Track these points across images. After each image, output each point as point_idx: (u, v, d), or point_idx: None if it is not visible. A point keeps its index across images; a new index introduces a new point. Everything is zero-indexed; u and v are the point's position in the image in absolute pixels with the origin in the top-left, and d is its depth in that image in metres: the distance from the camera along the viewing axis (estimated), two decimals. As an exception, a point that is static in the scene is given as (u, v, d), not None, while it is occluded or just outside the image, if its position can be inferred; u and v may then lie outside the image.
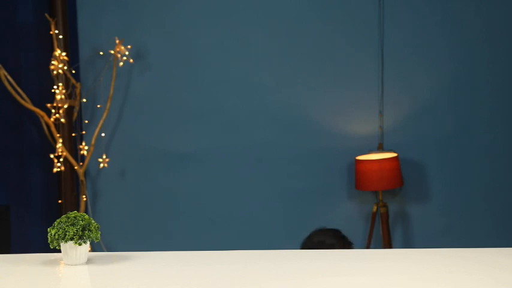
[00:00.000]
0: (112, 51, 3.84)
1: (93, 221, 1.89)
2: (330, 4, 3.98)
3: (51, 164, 3.80)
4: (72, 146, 3.88)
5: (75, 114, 3.88)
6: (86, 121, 3.98)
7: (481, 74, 3.99)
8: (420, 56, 3.98)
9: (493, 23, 3.98)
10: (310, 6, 3.97)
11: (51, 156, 3.79)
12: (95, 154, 3.90)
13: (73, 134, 3.88)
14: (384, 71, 3.96)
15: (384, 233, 3.29)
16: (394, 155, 3.77)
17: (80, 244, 1.82)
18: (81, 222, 1.85)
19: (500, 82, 3.99)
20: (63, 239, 1.82)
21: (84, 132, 3.97)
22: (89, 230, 1.85)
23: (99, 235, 1.88)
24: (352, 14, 3.97)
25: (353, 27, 3.97)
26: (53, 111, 3.77)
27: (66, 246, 1.83)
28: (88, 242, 1.86)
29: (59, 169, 3.79)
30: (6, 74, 3.62)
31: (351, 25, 3.97)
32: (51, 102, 3.78)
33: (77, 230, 1.82)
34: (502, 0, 3.97)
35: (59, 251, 1.88)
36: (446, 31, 3.97)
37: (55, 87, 3.75)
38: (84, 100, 3.94)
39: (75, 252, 1.84)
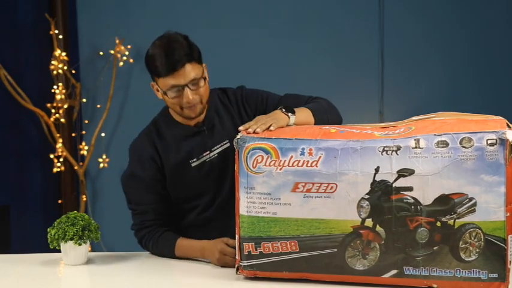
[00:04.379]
0: (112, 51, 3.84)
1: (93, 221, 1.88)
2: (331, 4, 3.97)
3: (51, 164, 3.80)
4: (72, 146, 3.88)
5: (75, 114, 3.88)
6: (86, 121, 3.97)
7: (480, 74, 3.99)
8: (420, 57, 3.98)
9: (492, 25, 3.98)
10: (310, 6, 3.97)
11: (51, 156, 3.79)
12: (95, 154, 3.90)
13: (73, 134, 3.88)
14: (384, 71, 3.96)
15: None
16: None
17: (79, 244, 1.82)
18: (81, 222, 1.84)
19: (499, 83, 3.99)
20: (63, 239, 1.82)
21: (84, 132, 3.97)
22: (89, 230, 1.85)
23: (99, 235, 1.88)
24: (352, 14, 3.97)
25: (353, 28, 3.97)
26: (53, 111, 3.77)
27: (66, 246, 1.83)
28: (88, 242, 1.85)
29: (59, 169, 3.79)
30: (6, 74, 3.62)
31: (351, 25, 3.97)
32: (51, 102, 3.78)
33: (76, 230, 1.82)
34: (500, 3, 3.97)
35: (59, 251, 1.87)
36: (446, 32, 3.97)
37: (55, 87, 3.75)
38: (84, 100, 3.93)
39: (75, 252, 1.84)
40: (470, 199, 1.45)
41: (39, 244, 3.26)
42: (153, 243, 1.92)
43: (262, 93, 2.04)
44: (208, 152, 1.93)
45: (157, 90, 1.89)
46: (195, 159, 1.93)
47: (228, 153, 1.92)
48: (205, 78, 1.87)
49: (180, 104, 1.85)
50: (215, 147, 1.94)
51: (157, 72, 1.83)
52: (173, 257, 1.90)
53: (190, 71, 1.82)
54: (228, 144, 1.93)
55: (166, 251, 1.91)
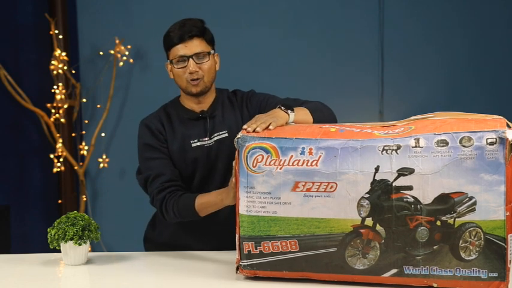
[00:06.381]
0: (112, 51, 3.84)
1: (93, 221, 1.89)
2: (331, 4, 3.98)
3: (51, 164, 3.80)
4: (72, 146, 3.88)
5: (75, 114, 3.88)
6: (86, 121, 3.97)
7: (481, 74, 3.99)
8: (420, 57, 3.98)
9: (492, 25, 3.98)
10: (310, 6, 3.97)
11: (51, 156, 3.79)
12: (95, 154, 3.90)
13: (73, 134, 3.88)
14: (384, 71, 3.96)
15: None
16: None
17: (79, 244, 1.82)
18: (81, 222, 1.85)
19: (499, 83, 4.00)
20: (63, 239, 1.82)
21: (84, 132, 3.97)
22: (89, 230, 1.85)
23: (99, 235, 1.88)
24: (352, 14, 3.97)
25: (353, 28, 3.97)
26: (53, 111, 3.77)
27: (66, 246, 1.83)
28: (88, 242, 1.85)
29: (59, 169, 3.79)
30: (6, 74, 3.62)
31: (352, 25, 3.97)
32: (51, 102, 3.78)
33: (76, 230, 1.82)
34: (500, 3, 3.97)
35: (59, 251, 1.87)
36: (446, 32, 3.97)
37: (55, 87, 3.75)
38: (84, 100, 3.93)
39: (75, 252, 1.84)
40: (470, 198, 1.45)
41: (39, 244, 3.26)
42: (174, 202, 1.93)
43: (266, 95, 2.15)
44: (207, 138, 2.04)
45: (170, 71, 2.05)
46: (196, 140, 2.04)
47: (223, 143, 2.03)
48: (209, 53, 2.04)
49: (185, 76, 2.00)
50: (214, 135, 2.04)
51: (170, 43, 2.01)
52: (194, 212, 1.91)
53: (198, 45, 2.01)
54: (226, 135, 2.04)
55: (188, 206, 1.91)
